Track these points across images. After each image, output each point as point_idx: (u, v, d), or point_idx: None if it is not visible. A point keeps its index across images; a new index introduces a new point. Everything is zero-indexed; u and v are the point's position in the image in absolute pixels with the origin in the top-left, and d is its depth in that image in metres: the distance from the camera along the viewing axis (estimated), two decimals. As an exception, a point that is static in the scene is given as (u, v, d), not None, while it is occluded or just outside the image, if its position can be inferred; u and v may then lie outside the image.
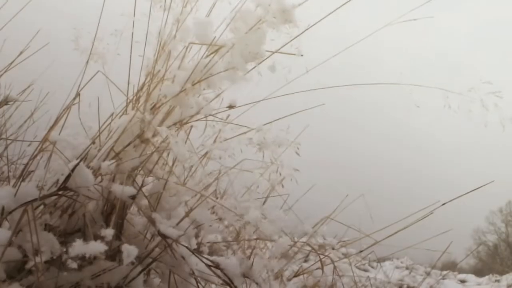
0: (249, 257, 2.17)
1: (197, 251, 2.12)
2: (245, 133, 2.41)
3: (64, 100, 2.10)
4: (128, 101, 2.16)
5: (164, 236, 1.91)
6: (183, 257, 1.94)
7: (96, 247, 1.71)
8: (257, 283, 2.00)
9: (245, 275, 2.04)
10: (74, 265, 1.72)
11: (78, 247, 1.70)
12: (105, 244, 1.73)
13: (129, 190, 1.91)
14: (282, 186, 2.67)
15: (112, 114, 2.13)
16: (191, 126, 2.28)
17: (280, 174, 2.62)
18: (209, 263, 2.07)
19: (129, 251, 1.75)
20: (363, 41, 2.42)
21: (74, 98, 2.02)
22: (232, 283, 2.00)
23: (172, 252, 1.93)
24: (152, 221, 1.95)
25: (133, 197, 1.96)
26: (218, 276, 2.04)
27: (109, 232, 1.79)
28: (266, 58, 2.05)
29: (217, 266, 2.05)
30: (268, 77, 2.14)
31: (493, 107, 2.36)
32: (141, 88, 2.16)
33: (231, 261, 2.06)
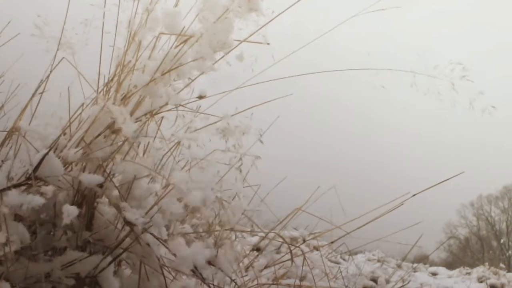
0: (219, 247, 2.19)
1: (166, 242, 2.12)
2: (215, 122, 2.42)
3: (35, 90, 2.09)
4: (99, 91, 2.16)
5: (130, 224, 1.91)
6: (148, 245, 1.94)
7: (34, 200, 1.71)
8: (222, 271, 2.01)
9: (210, 263, 2.05)
10: (5, 210, 1.69)
11: (13, 196, 1.70)
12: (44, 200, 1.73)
13: (97, 178, 1.91)
14: (240, 171, 2.66)
15: (82, 104, 2.12)
16: (162, 117, 2.29)
17: (241, 160, 2.62)
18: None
19: (69, 211, 1.75)
20: (328, 33, 2.45)
21: (39, 87, 2.02)
22: (197, 270, 2.01)
23: (138, 240, 1.93)
24: (119, 209, 1.95)
25: (101, 186, 1.96)
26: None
27: (49, 189, 1.79)
28: (234, 48, 2.07)
29: (181, 254, 2.06)
30: (237, 68, 2.16)
31: (462, 89, 2.38)
32: (112, 79, 2.16)
33: (195, 249, 2.07)
